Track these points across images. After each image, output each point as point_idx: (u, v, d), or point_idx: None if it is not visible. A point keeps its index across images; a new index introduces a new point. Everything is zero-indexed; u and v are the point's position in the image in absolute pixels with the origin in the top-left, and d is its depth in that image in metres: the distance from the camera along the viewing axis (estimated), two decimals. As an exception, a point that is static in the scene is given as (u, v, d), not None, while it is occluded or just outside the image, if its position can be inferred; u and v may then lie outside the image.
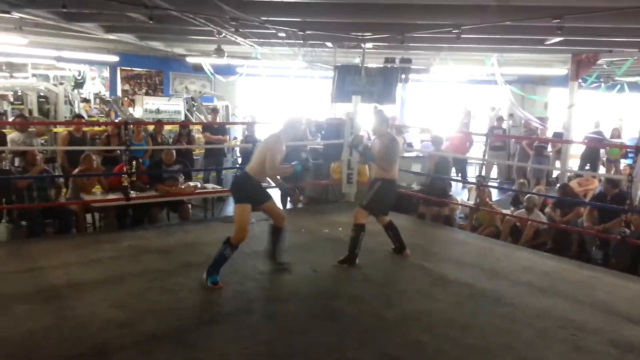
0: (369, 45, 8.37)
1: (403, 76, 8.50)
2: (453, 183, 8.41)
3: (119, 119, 10.58)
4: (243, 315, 3.58)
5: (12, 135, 7.19)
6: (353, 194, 7.41)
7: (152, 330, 3.32)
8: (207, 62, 11.33)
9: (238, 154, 10.65)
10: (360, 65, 8.53)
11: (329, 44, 8.66)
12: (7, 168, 6.34)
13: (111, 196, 6.18)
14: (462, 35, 6.36)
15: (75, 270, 4.33)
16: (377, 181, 4.68)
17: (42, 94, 10.81)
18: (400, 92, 8.65)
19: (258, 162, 4.12)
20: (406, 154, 10.40)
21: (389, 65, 8.45)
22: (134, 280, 4.16)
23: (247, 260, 4.71)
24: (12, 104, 11.01)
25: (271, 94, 14.79)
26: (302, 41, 7.72)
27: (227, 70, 12.23)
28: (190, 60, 11.95)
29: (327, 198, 8.15)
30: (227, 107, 11.93)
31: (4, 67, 12.21)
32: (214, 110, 10.57)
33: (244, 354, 3.05)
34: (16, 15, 6.76)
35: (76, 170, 6.39)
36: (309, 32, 7.26)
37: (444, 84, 14.30)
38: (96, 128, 8.85)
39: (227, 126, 10.04)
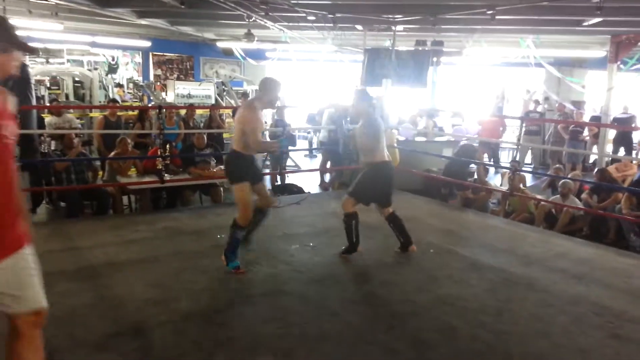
0: (399, 27, 8.25)
1: (435, 59, 8.35)
2: (487, 168, 8.27)
3: (152, 103, 10.75)
4: (275, 297, 3.63)
5: (49, 119, 7.40)
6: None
7: (186, 309, 3.40)
8: (237, 47, 11.36)
9: (268, 138, 10.72)
10: (390, 48, 8.42)
11: (359, 27, 8.57)
12: (46, 151, 6.54)
13: (146, 179, 6.32)
14: (496, 16, 6.21)
15: (113, 250, 4.46)
16: (365, 167, 4.41)
17: (77, 79, 11.07)
18: (432, 76, 8.49)
19: (237, 137, 3.91)
20: (437, 139, 10.31)
21: (420, 48, 8.31)
22: (168, 260, 4.26)
23: (278, 243, 4.76)
24: (49, 88, 11.31)
25: (301, 78, 14.76)
26: (331, 24, 7.66)
27: (256, 55, 12.26)
28: (220, 44, 12.01)
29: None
30: (256, 90, 11.96)
31: (40, 53, 12.52)
32: (244, 95, 10.64)
33: (276, 334, 3.09)
34: (52, 1, 6.91)
35: (112, 153, 6.55)
36: (338, 14, 7.20)
37: (477, 67, 13.98)
38: (130, 112, 9.02)
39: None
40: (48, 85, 11.53)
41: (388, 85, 7.55)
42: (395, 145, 7.62)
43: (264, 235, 5.04)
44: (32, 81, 6.32)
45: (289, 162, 9.61)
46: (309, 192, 7.60)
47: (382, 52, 8.37)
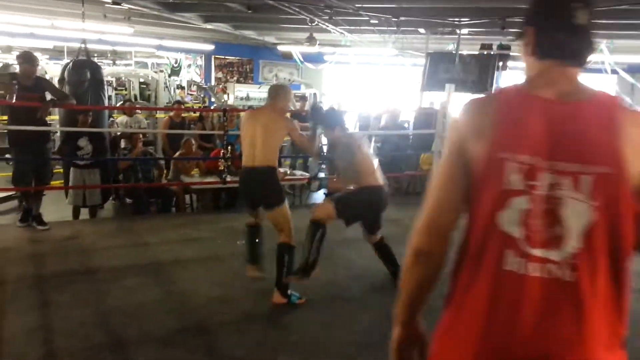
0: (464, 31, 8.05)
1: (500, 64, 8.08)
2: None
3: (214, 105, 11.03)
4: (336, 303, 3.60)
5: (120, 118, 7.73)
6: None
7: (249, 310, 3.43)
8: (296, 50, 11.47)
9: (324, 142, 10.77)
10: (454, 52, 8.23)
11: (422, 30, 8.42)
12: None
13: (208, 179, 6.46)
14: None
15: (178, 247, 4.58)
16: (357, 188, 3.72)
17: (142, 80, 11.53)
18: (497, 81, 8.22)
19: (272, 149, 3.47)
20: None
21: (486, 52, 8.07)
22: (230, 260, 4.33)
23: (338, 249, 4.73)
24: (115, 89, 11.86)
25: (359, 82, 14.72)
26: (394, 28, 7.58)
27: (314, 58, 12.32)
28: (280, 48, 12.16)
29: (413, 189, 7.99)
30: (314, 95, 12.04)
31: (108, 55, 13.16)
32: (302, 98, 10.71)
33: (339, 340, 3.06)
34: (125, 6, 7.22)
35: (177, 153, 6.75)
36: (402, 18, 7.10)
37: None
38: (192, 114, 9.29)
39: (314, 114, 10.11)
40: (114, 86, 12.10)
41: (451, 90, 7.36)
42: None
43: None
44: (105, 82, 6.61)
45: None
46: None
47: (446, 56, 8.20)
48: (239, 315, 3.35)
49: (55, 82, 5.85)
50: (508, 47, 8.26)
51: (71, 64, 5.89)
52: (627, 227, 1.03)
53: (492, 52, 8.04)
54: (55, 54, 13.19)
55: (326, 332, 3.15)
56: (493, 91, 1.77)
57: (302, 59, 11.80)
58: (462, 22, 7.40)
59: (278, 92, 3.68)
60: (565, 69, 1.11)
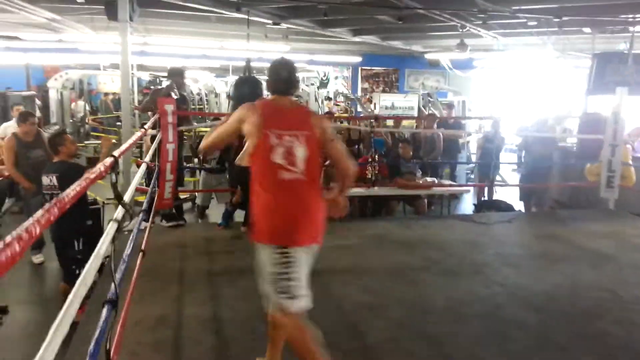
0: (639, 27, 7.17)
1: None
2: None
3: (362, 115, 11.30)
4: (490, 320, 3.44)
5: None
6: (613, 200, 6.44)
7: (398, 318, 3.45)
8: (445, 57, 11.25)
9: (472, 151, 10.37)
10: (626, 51, 7.38)
11: (587, 30, 7.70)
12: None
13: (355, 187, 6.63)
14: None
15: (328, 253, 4.74)
16: None
17: (295, 93, 12.29)
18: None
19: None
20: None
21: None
22: (378, 268, 4.39)
23: (491, 263, 4.53)
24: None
25: (512, 87, 13.91)
26: (555, 29, 7.04)
27: (462, 64, 11.96)
28: (428, 56, 12.04)
29: (577, 203, 7.29)
30: (463, 102, 11.68)
31: (265, 71, 14.24)
32: (449, 106, 10.46)
33: (491, 358, 2.93)
34: (284, 25, 7.79)
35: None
36: (565, 18, 6.57)
37: None
38: (340, 125, 9.62)
39: (462, 122, 9.83)
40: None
41: (623, 93, 6.59)
42: (630, 162, 6.62)
43: (475, 253, 4.87)
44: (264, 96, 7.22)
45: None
46: (519, 211, 7.08)
47: (616, 56, 7.38)
48: (389, 323, 3.37)
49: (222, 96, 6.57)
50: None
51: (237, 80, 6.55)
52: (317, 158, 2.45)
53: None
54: (221, 72, 14.70)
55: (481, 350, 3.03)
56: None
57: (450, 66, 11.53)
58: (636, 19, 6.60)
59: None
60: (285, 97, 2.54)
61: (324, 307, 3.59)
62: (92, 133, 12.98)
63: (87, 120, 13.12)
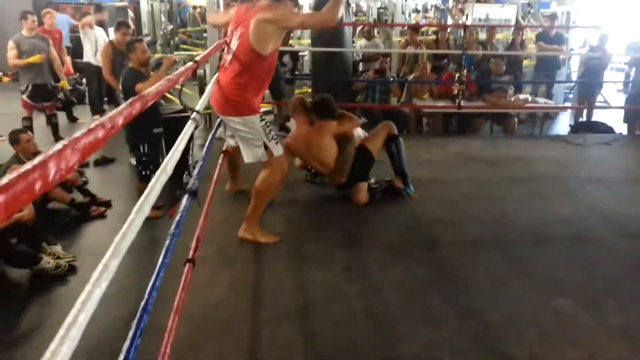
0: None
1: None
2: None
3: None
4: (576, 243, 3.29)
5: (360, 42, 8.06)
6: None
7: (475, 234, 3.41)
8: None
9: (572, 69, 9.50)
10: None
11: None
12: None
13: (440, 103, 6.38)
14: None
15: (411, 167, 4.71)
16: None
17: (380, 5, 11.68)
18: None
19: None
20: None
21: None
22: (461, 184, 4.31)
23: (581, 185, 4.28)
24: (355, 14, 12.29)
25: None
26: None
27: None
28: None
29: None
30: (568, 13, 10.53)
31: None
32: (552, 17, 9.45)
33: (576, 282, 2.82)
34: None
35: (411, 76, 6.78)
36: None
37: None
38: (428, 38, 9.11)
39: (565, 35, 8.90)
40: (354, 11, 12.51)
41: None
42: None
43: (565, 174, 4.61)
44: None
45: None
46: (620, 133, 6.50)
47: None
48: (465, 238, 3.33)
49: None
50: None
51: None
52: (244, 50, 2.95)
53: None
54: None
55: (563, 271, 2.94)
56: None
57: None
58: None
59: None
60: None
61: (401, 218, 3.62)
62: (181, 46, 13.33)
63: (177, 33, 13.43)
